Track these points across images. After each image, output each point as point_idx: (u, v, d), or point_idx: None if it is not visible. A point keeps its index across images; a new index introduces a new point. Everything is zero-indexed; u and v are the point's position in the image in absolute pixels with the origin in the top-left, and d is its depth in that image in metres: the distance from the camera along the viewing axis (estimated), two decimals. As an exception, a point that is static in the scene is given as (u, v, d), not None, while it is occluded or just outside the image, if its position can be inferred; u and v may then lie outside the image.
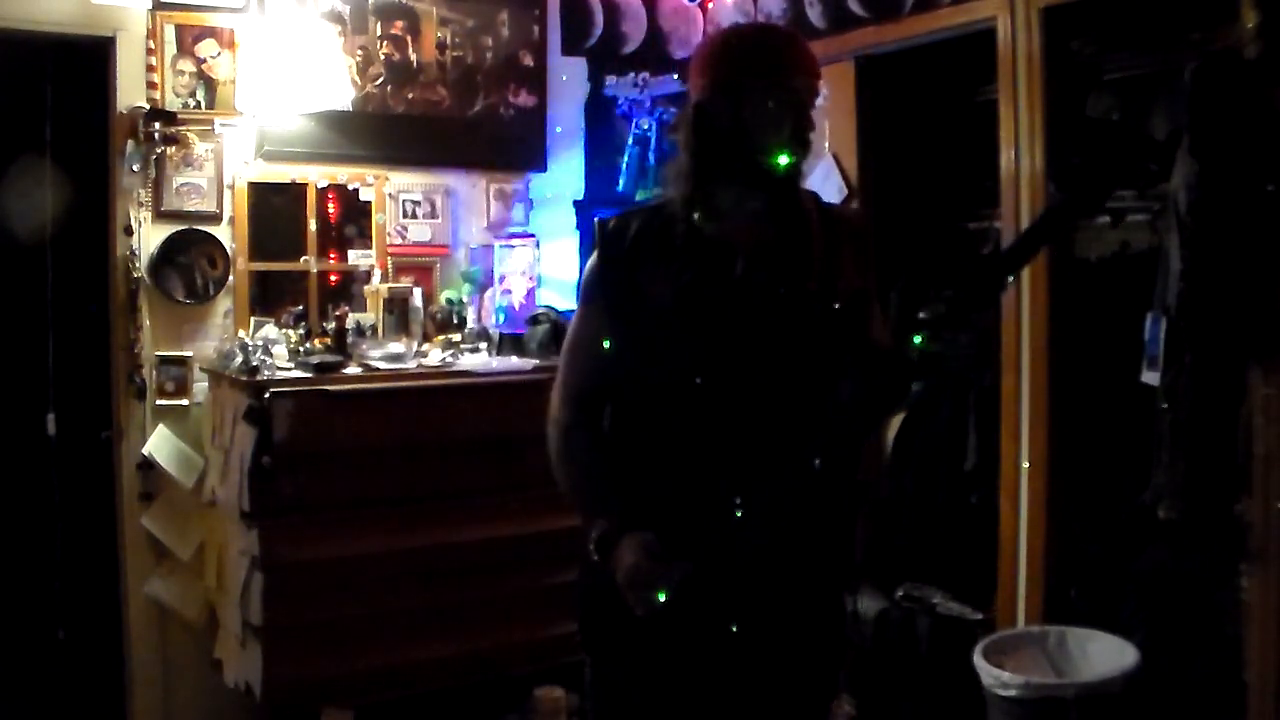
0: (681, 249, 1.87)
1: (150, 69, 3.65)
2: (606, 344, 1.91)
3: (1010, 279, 1.79)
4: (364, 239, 4.04)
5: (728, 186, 1.89)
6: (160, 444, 3.66)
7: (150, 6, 3.62)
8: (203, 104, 3.73)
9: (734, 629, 1.85)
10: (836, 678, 2.10)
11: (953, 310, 1.73)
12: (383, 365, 3.50)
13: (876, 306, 2.03)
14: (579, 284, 2.01)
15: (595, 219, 2.01)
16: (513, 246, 4.14)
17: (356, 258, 3.97)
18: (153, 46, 3.65)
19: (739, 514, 1.80)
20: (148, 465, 3.66)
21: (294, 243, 3.95)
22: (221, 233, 3.78)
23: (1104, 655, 2.85)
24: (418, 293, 3.89)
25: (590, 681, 2.01)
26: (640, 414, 1.90)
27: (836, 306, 1.88)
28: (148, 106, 3.62)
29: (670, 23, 4.40)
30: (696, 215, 1.89)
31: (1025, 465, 3.23)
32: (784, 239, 1.90)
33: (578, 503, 1.95)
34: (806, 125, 1.88)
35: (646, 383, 1.88)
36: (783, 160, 1.86)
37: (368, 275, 3.95)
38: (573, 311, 2.07)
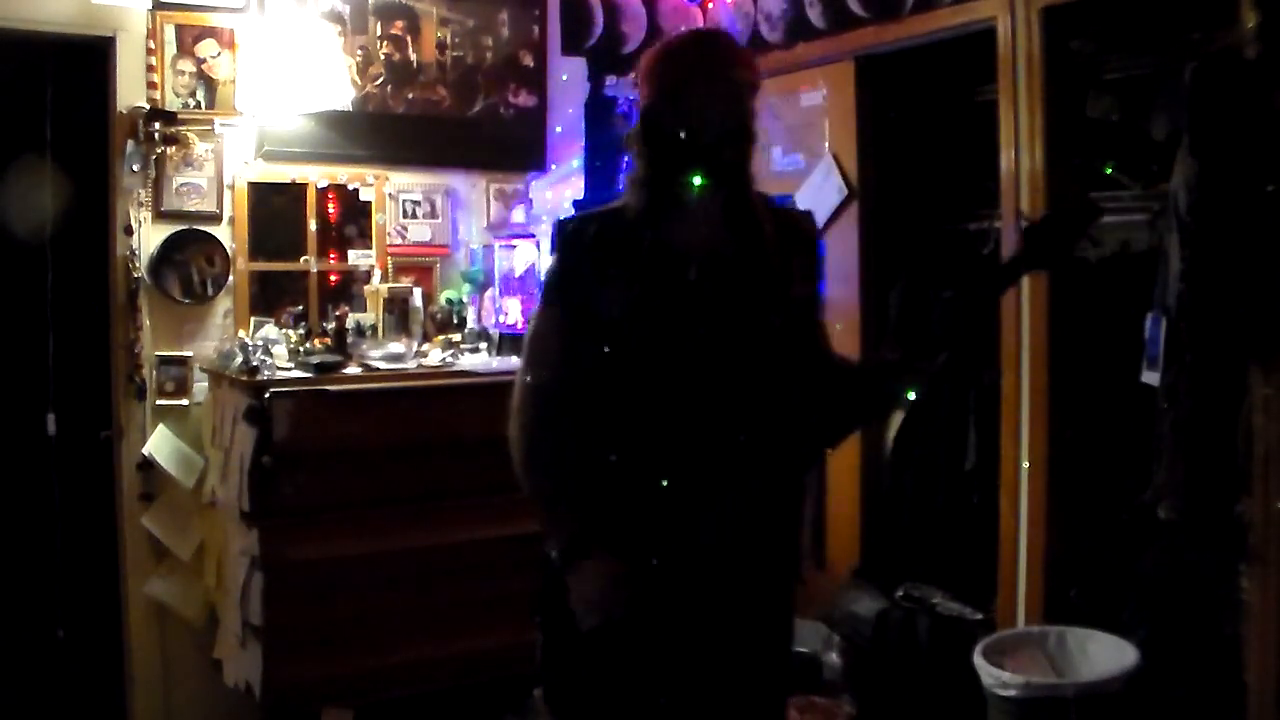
0: (637, 256, 1.90)
1: (150, 69, 3.65)
2: (566, 345, 1.94)
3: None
4: (364, 239, 4.04)
5: (682, 190, 1.93)
6: (160, 444, 3.66)
7: (150, 6, 3.62)
8: (203, 104, 3.73)
9: (687, 632, 1.89)
10: (787, 677, 2.16)
11: (910, 359, 1.87)
12: (383, 365, 3.50)
13: (822, 316, 2.08)
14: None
15: (556, 220, 2.07)
16: (513, 247, 4.14)
17: (356, 258, 3.97)
18: (153, 46, 3.65)
19: (697, 513, 1.86)
20: (148, 465, 3.66)
21: (294, 243, 3.95)
22: (221, 233, 3.78)
23: (1104, 655, 2.85)
24: (418, 293, 3.89)
25: (541, 659, 2.03)
26: (601, 415, 1.92)
27: (788, 312, 1.94)
28: (148, 106, 3.63)
29: (670, 23, 4.40)
30: (653, 222, 1.92)
31: (1025, 465, 3.23)
32: (739, 244, 1.94)
33: (542, 506, 1.98)
34: (749, 115, 1.93)
35: (605, 385, 1.91)
36: (729, 151, 1.91)
37: (368, 275, 3.95)
38: None
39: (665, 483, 1.86)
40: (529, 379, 1.97)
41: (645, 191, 1.93)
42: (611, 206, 2.02)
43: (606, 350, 1.89)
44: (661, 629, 1.88)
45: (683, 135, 1.89)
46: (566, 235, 1.97)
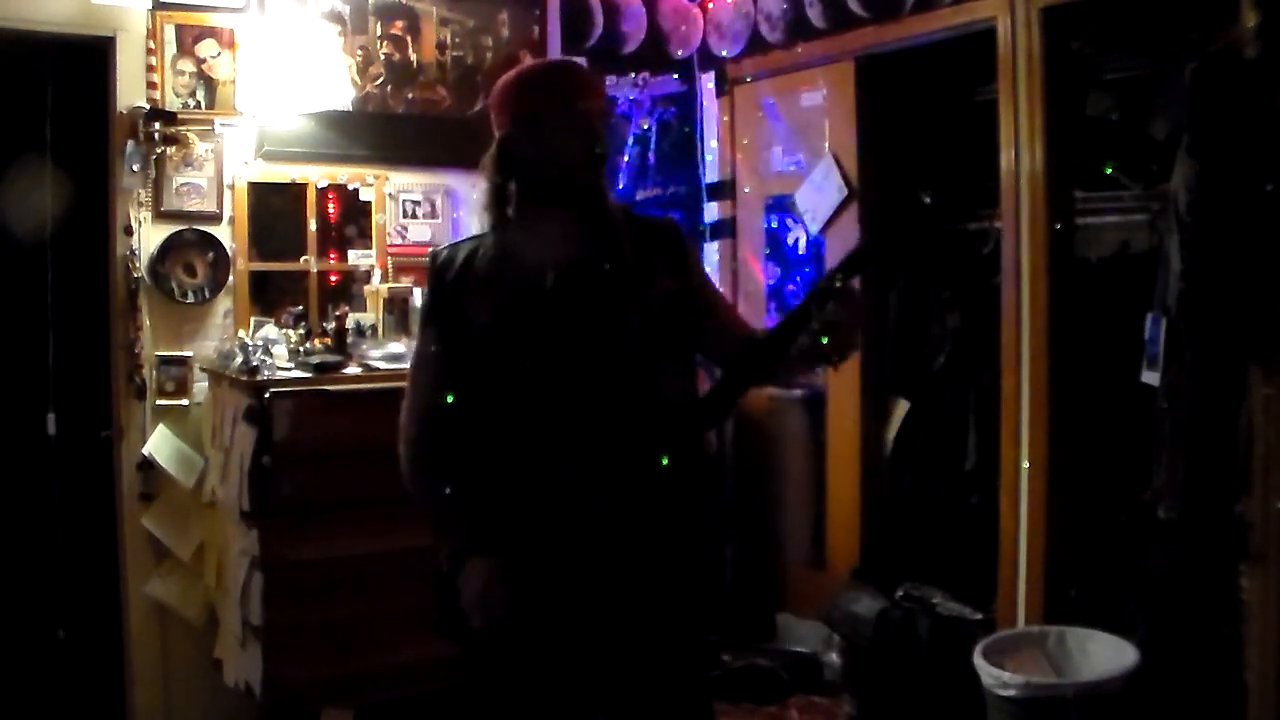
0: (498, 273, 2.04)
1: (150, 69, 3.64)
2: (443, 362, 2.07)
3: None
4: (364, 239, 4.04)
5: (538, 209, 2.06)
6: (160, 444, 3.66)
7: (150, 6, 3.62)
8: (203, 104, 3.73)
9: (572, 625, 1.98)
10: (700, 656, 2.27)
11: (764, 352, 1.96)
12: (383, 365, 3.50)
13: (718, 298, 2.24)
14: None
15: (430, 252, 2.22)
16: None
17: (356, 258, 3.97)
18: (153, 46, 3.65)
19: (573, 505, 1.94)
20: (148, 465, 3.66)
21: (294, 243, 3.94)
22: (221, 233, 3.78)
23: (1104, 655, 2.85)
24: (418, 293, 3.88)
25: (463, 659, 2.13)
26: (480, 422, 2.03)
27: (650, 310, 2.02)
28: (148, 106, 3.62)
29: (670, 23, 4.40)
30: (512, 240, 2.06)
31: (1025, 465, 3.23)
32: (595, 253, 2.04)
33: (429, 517, 2.12)
34: (599, 143, 2.06)
35: (481, 397, 2.02)
36: (582, 177, 2.04)
37: (368, 275, 3.95)
38: None
39: (539, 476, 1.96)
40: (412, 395, 2.11)
41: (498, 213, 2.09)
42: (476, 235, 2.16)
43: (479, 360, 2.01)
44: (547, 623, 1.97)
45: (537, 163, 2.03)
46: (437, 264, 2.12)
